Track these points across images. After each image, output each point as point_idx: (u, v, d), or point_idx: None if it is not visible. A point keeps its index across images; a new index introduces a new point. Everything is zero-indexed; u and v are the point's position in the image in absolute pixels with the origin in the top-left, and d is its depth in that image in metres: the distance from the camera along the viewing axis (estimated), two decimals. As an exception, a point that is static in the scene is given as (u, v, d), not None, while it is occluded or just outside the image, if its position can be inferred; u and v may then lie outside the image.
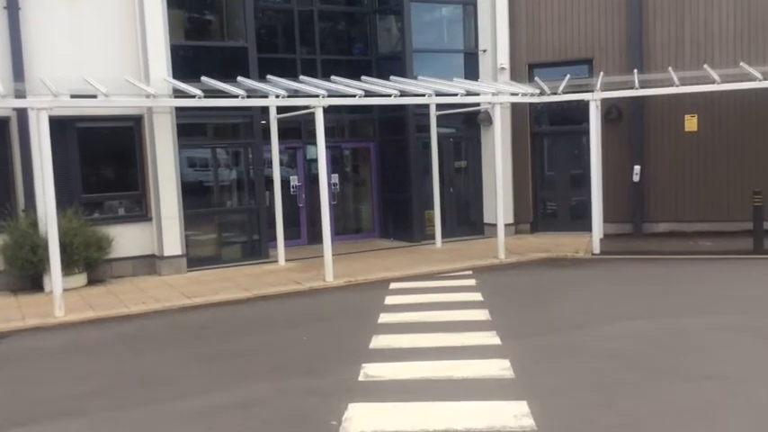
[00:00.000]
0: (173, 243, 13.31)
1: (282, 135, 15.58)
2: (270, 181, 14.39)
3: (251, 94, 12.34)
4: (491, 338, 8.05)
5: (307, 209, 16.26)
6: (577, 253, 13.95)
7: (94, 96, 11.15)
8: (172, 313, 10.45)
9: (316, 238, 14.49)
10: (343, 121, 17.25)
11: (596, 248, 13.93)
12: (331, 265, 12.11)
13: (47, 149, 10.29)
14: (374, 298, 10.66)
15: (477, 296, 10.45)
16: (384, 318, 9.32)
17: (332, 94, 12.33)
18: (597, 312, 9.27)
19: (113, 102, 11.11)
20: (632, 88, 14.07)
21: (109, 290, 12.13)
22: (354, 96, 12.39)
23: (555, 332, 8.27)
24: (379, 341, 8.14)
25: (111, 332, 9.40)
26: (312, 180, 16.23)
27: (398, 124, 16.41)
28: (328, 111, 16.35)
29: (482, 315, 9.24)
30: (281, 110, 13.76)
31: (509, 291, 11.02)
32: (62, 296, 10.28)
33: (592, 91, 14.01)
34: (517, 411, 5.76)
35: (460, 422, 5.59)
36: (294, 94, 12.52)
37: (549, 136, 17.17)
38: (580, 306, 9.77)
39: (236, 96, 11.68)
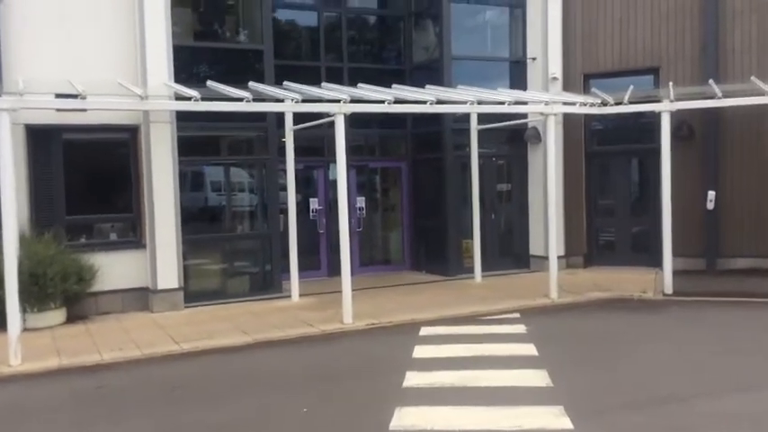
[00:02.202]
0: (168, 274, 11.41)
1: (302, 152, 13.73)
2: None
3: (262, 99, 10.48)
4: (557, 418, 5.92)
5: (327, 236, 14.28)
6: (645, 293, 11.71)
7: (73, 97, 9.36)
8: (150, 363, 8.50)
9: (337, 269, 12.25)
10: (371, 137, 15.37)
11: (668, 288, 11.68)
12: (350, 305, 10.09)
13: (7, 156, 8.48)
14: (400, 347, 8.60)
15: (530, 349, 8.31)
16: (411, 379, 7.24)
17: (356, 100, 10.37)
18: (691, 377, 7.09)
19: (90, 103, 9.30)
20: (712, 98, 11.88)
21: (88, 330, 10.25)
22: (383, 102, 10.42)
23: (642, 407, 6.12)
24: (404, 418, 6.07)
25: (65, 389, 7.47)
26: (334, 204, 14.29)
27: (434, 141, 14.44)
28: (354, 125, 14.68)
29: (539, 378, 7.11)
30: (297, 119, 11.88)
31: (569, 342, 8.85)
32: (19, 340, 8.42)
33: (662, 101, 11.83)
34: None
35: None
36: (312, 99, 10.58)
37: (606, 156, 14.98)
38: (665, 366, 7.56)
39: (241, 100, 9.78)
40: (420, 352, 8.38)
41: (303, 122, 11.74)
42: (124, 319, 10.96)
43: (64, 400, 7.11)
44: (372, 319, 10.24)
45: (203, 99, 9.77)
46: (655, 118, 13.87)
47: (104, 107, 10.11)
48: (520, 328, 9.48)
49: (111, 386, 7.55)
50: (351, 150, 14.75)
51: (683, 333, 9.14)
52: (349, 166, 14.66)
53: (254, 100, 9.91)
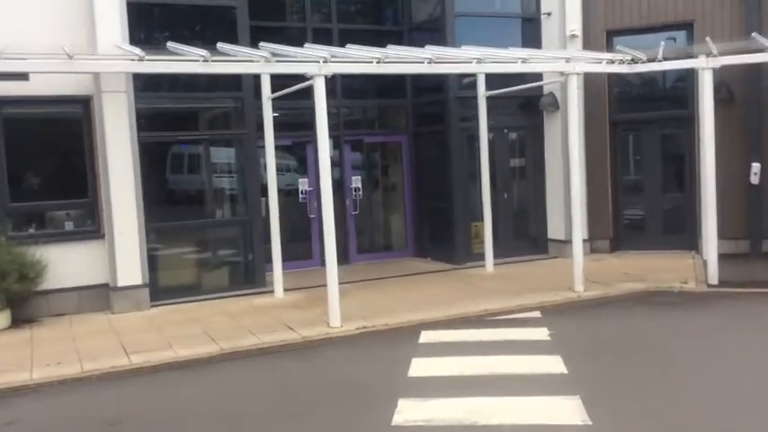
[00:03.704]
0: (129, 269, 9.83)
1: (289, 127, 12.17)
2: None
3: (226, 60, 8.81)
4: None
5: (319, 221, 12.56)
6: (686, 283, 10.02)
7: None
8: (87, 384, 6.93)
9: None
10: (368, 108, 13.67)
11: (712, 277, 9.98)
12: (337, 305, 8.47)
13: None
14: (394, 361, 6.98)
15: (556, 364, 6.66)
16: (404, 412, 5.61)
17: (339, 60, 8.67)
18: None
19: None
20: (762, 51, 10.08)
21: (31, 337, 8.70)
22: (371, 63, 8.71)
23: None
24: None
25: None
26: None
27: (437, 112, 12.77)
28: (349, 95, 13.06)
29: (572, 410, 5.46)
30: (276, 86, 10.20)
31: (606, 354, 7.12)
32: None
33: (705, 56, 10.03)
34: None
35: None
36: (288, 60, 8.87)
37: (633, 125, 13.21)
38: (750, 399, 5.84)
39: (198, 60, 8.10)
40: (418, 368, 6.74)
41: (283, 90, 10.04)
42: (78, 321, 9.41)
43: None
44: (364, 320, 8.63)
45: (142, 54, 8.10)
46: (688, 80, 12.27)
47: (18, 68, 8.35)
48: (541, 333, 7.83)
49: (26, 421, 5.97)
50: (345, 124, 13.16)
51: (750, 340, 7.41)
52: (343, 141, 13.07)
53: (216, 61, 8.21)
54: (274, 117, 10.45)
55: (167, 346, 7.94)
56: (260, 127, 10.59)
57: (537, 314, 8.79)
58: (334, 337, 8.14)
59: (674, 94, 12.98)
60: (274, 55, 8.60)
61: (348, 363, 7.21)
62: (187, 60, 8.28)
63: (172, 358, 7.52)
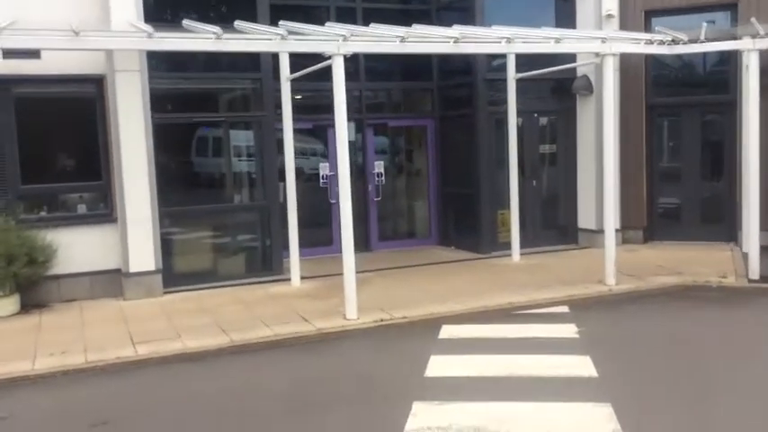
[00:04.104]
0: (142, 254, 9.53)
1: (311, 110, 11.84)
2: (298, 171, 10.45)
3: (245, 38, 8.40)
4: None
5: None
6: (725, 278, 9.44)
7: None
8: (89, 376, 6.63)
9: (354, 245, 9.97)
10: (392, 91, 13.23)
11: (754, 272, 9.39)
12: (354, 296, 8.06)
13: None
14: (411, 358, 6.57)
15: (585, 364, 6.19)
16: (419, 415, 5.20)
17: (359, 39, 8.21)
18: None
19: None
20: (812, 32, 9.41)
21: (39, 323, 8.45)
22: (393, 42, 8.24)
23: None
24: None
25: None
26: (350, 169, 12.25)
27: (465, 95, 12.29)
28: (372, 78, 12.61)
29: (603, 418, 5.01)
30: (295, 66, 9.77)
31: (640, 355, 6.60)
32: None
33: (751, 37, 9.38)
34: None
35: None
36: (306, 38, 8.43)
37: (670, 110, 12.56)
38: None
39: (210, 37, 7.71)
40: (436, 367, 6.31)
41: (302, 71, 9.61)
42: (89, 307, 9.15)
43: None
44: (383, 312, 8.22)
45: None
46: (730, 64, 11.63)
47: (22, 45, 8.02)
48: (570, 330, 7.35)
49: (19, 417, 5.67)
50: (368, 107, 12.72)
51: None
52: (365, 125, 12.63)
53: (229, 39, 7.81)
54: (296, 99, 10.05)
55: (176, 336, 7.61)
56: (280, 108, 10.19)
57: (565, 309, 8.31)
58: (351, 329, 7.75)
59: (715, 78, 12.33)
60: (291, 33, 8.16)
61: (363, 359, 6.81)
62: (198, 38, 7.86)
63: (180, 350, 7.19)
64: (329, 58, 7.96)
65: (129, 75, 9.31)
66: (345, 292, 8.07)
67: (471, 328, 7.58)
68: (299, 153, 13.01)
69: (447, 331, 7.51)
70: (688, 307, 8.27)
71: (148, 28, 7.81)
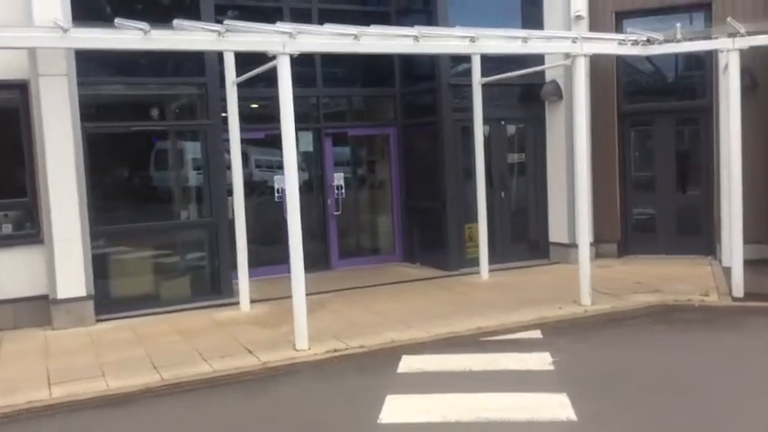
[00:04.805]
0: (71, 278, 8.58)
1: (263, 118, 10.95)
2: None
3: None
4: None
5: (296, 222, 11.36)
6: (707, 296, 8.78)
7: None
8: (-10, 427, 5.70)
9: (309, 263, 9.08)
10: (352, 98, 12.46)
11: (737, 289, 8.74)
12: (305, 325, 7.22)
13: None
14: (365, 399, 5.74)
15: (561, 405, 5.40)
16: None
17: (308, 37, 7.39)
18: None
19: None
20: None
21: (-52, 359, 7.47)
22: (346, 40, 7.44)
23: None
24: None
25: None
26: (306, 182, 11.48)
27: (428, 102, 11.55)
28: (330, 83, 11.82)
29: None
30: (242, 69, 8.92)
31: (620, 388, 5.83)
32: None
33: (731, 36, 8.76)
34: None
35: None
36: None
37: (643, 116, 11.96)
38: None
39: (137, 34, 6.85)
40: (392, 410, 5.47)
41: (247, 74, 8.77)
42: (10, 339, 8.19)
43: None
44: (337, 341, 7.38)
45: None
46: (705, 68, 11.11)
47: None
48: (543, 360, 6.58)
49: None
50: (327, 116, 11.91)
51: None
52: (324, 135, 11.82)
53: (157, 36, 6.96)
54: (250, 108, 9.22)
55: (100, 374, 6.69)
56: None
57: (538, 333, 7.56)
58: (300, 362, 6.90)
59: (689, 83, 11.83)
60: (231, 31, 7.32)
61: (310, 400, 5.94)
62: (121, 35, 7.00)
63: (100, 391, 6.27)
64: (273, 57, 7.14)
65: (54, 79, 8.38)
66: (295, 321, 7.22)
67: (434, 360, 6.78)
68: (258, 165, 12.19)
69: (407, 363, 6.70)
70: (672, 331, 7.56)
71: (67, 24, 6.92)
